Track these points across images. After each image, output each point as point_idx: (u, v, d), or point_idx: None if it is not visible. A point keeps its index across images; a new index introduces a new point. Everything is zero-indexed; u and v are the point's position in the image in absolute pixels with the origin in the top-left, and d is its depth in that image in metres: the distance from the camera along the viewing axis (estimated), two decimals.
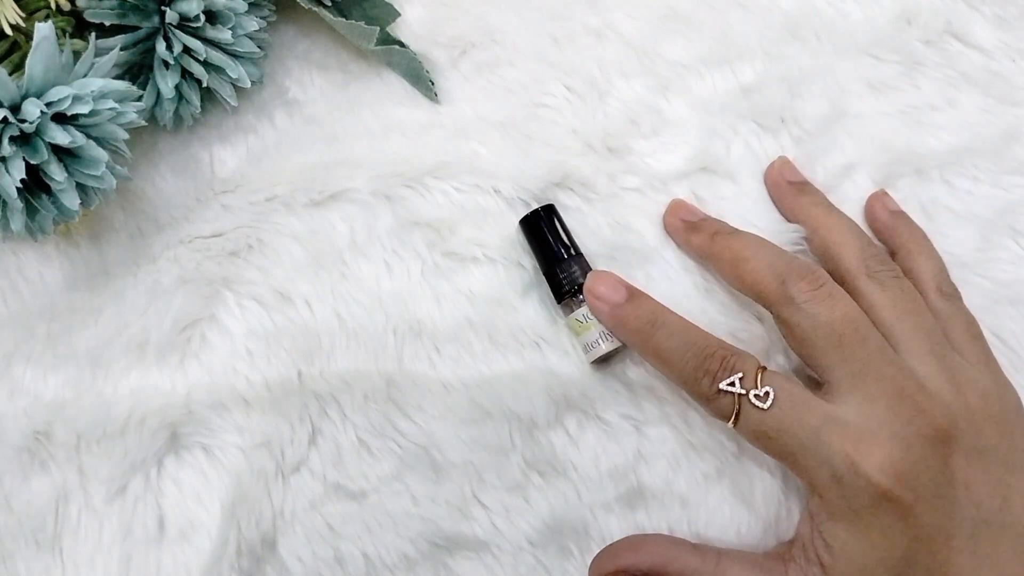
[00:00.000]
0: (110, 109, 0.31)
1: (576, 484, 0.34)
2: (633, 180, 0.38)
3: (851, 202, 0.37)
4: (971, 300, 0.35)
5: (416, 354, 0.35)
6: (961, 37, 0.40)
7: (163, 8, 0.35)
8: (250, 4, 0.36)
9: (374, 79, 0.40)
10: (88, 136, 0.32)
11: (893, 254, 0.36)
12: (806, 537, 0.30)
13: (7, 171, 0.30)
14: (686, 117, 0.39)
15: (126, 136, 0.33)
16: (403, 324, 0.35)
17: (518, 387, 0.35)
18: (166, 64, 0.36)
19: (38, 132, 0.31)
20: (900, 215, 0.37)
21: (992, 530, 0.29)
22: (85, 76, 0.32)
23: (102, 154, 0.32)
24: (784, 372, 0.34)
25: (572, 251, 0.35)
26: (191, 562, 0.33)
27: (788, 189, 0.37)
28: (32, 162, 0.31)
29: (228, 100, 0.37)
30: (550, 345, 0.35)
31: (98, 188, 0.33)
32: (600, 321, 0.34)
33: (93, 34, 0.33)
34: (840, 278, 0.33)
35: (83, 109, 0.31)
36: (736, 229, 0.35)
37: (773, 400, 0.30)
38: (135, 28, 0.35)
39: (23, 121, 0.30)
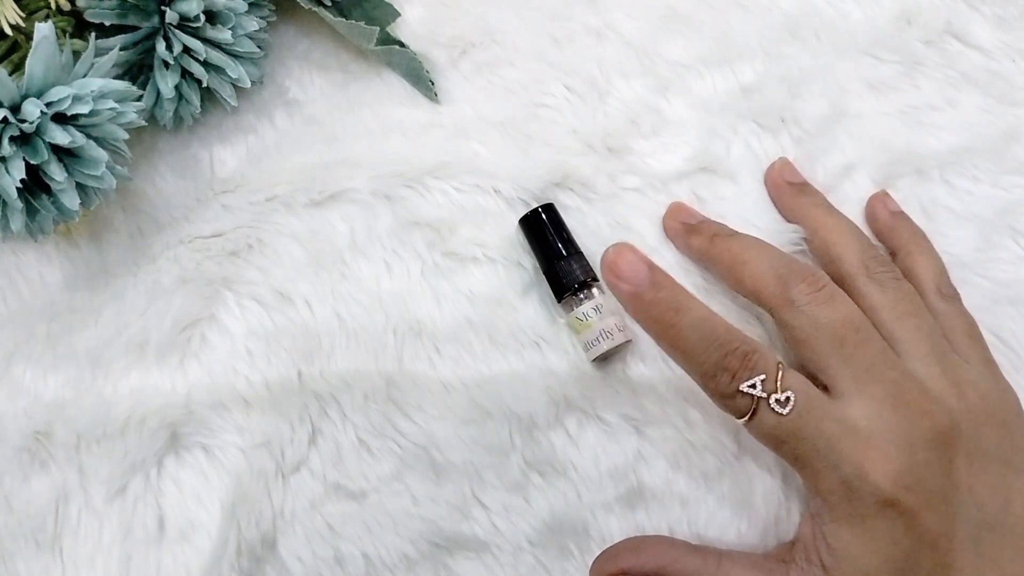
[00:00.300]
0: (110, 109, 0.31)
1: (576, 484, 0.34)
2: (633, 180, 0.38)
3: (851, 202, 0.37)
4: (971, 300, 0.35)
5: (416, 354, 0.35)
6: (961, 37, 0.40)
7: (163, 8, 0.35)
8: (250, 4, 0.36)
9: (374, 79, 0.40)
10: (88, 136, 0.32)
11: (893, 255, 0.36)
12: (808, 539, 0.30)
13: (7, 171, 0.30)
14: (686, 117, 0.39)
15: (126, 136, 0.33)
16: (403, 324, 0.35)
17: (518, 387, 0.35)
18: (166, 64, 0.36)
19: (38, 132, 0.31)
20: (901, 216, 0.37)
21: (994, 531, 0.29)
22: (85, 76, 0.32)
23: (102, 154, 0.32)
24: None
25: (572, 249, 0.35)
26: (191, 562, 0.33)
27: (788, 190, 0.37)
28: (32, 162, 0.31)
29: (228, 100, 0.37)
30: (550, 345, 0.35)
31: (98, 188, 0.33)
32: (619, 303, 0.32)
33: (93, 34, 0.33)
34: (840, 279, 0.33)
35: (83, 109, 0.31)
36: (735, 231, 0.35)
37: (792, 406, 0.29)
38: (135, 28, 0.35)
39: (23, 121, 0.30)
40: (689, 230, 0.36)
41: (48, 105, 0.30)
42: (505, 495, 0.34)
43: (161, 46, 0.35)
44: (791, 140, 0.38)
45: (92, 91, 0.31)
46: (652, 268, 0.32)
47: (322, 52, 0.41)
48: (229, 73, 0.36)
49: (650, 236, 0.37)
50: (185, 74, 0.36)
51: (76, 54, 0.32)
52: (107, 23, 0.34)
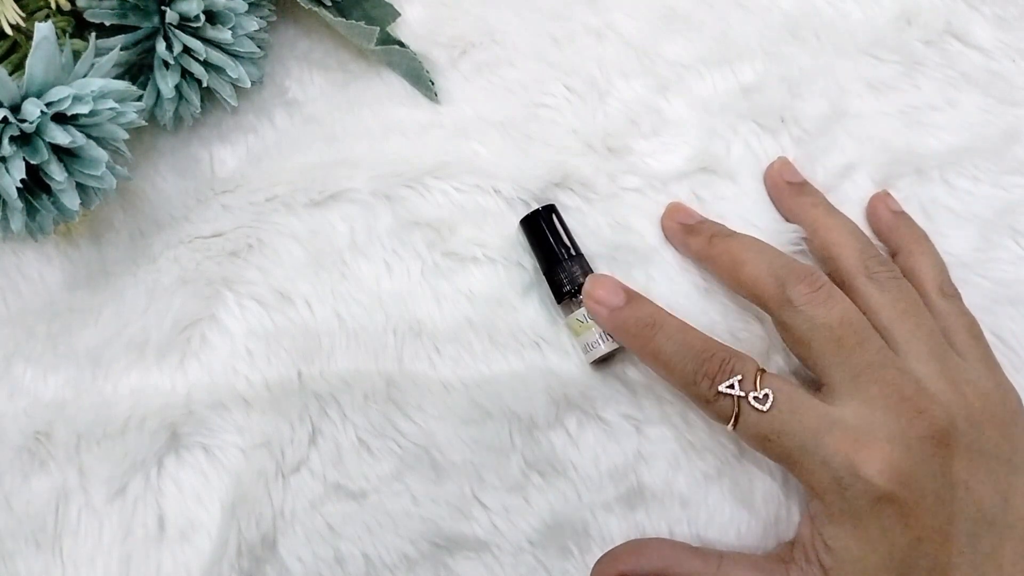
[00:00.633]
0: (110, 109, 0.31)
1: (576, 484, 0.34)
2: (633, 180, 0.38)
3: (851, 202, 0.37)
4: (971, 300, 0.35)
5: (416, 354, 0.35)
6: (961, 37, 0.40)
7: (163, 8, 0.35)
8: (250, 4, 0.36)
9: (374, 79, 0.40)
10: (88, 136, 0.32)
11: (894, 255, 0.36)
12: (807, 539, 0.30)
13: (7, 171, 0.30)
14: (686, 117, 0.39)
15: (126, 136, 0.33)
16: (403, 324, 0.35)
17: (518, 387, 0.35)
18: (166, 64, 0.36)
19: (38, 132, 0.31)
20: (902, 216, 0.37)
21: (993, 531, 0.29)
22: (85, 76, 0.32)
23: (102, 154, 0.32)
24: (783, 374, 0.34)
25: (573, 251, 0.35)
26: (191, 562, 0.33)
27: (788, 190, 0.37)
28: (32, 162, 0.31)
29: (228, 100, 0.37)
30: (550, 345, 0.35)
31: (98, 188, 0.33)
32: (599, 325, 0.34)
33: (93, 34, 0.33)
34: (839, 279, 0.33)
35: (83, 109, 0.31)
36: (734, 232, 0.35)
37: (772, 402, 0.30)
38: (135, 28, 0.35)
39: (23, 121, 0.30)
40: (687, 230, 0.36)
41: (48, 105, 0.30)
42: (505, 495, 0.34)
43: (161, 46, 0.35)
44: (791, 140, 0.38)
45: (92, 91, 0.31)
46: (628, 290, 0.34)
47: (322, 52, 0.41)
48: (229, 73, 0.36)
49: (650, 236, 0.37)
50: (185, 74, 0.36)
51: (76, 54, 0.32)
52: (107, 23, 0.34)
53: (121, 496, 0.34)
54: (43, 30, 0.30)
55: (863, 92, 0.39)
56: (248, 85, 0.37)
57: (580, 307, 0.34)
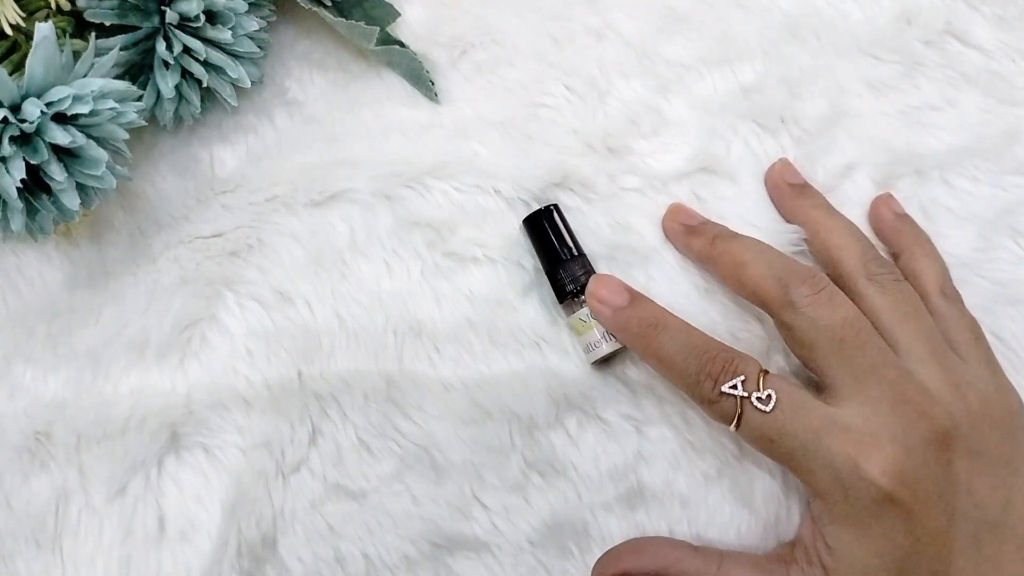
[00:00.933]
0: (110, 109, 0.31)
1: (576, 484, 0.34)
2: (633, 180, 0.38)
3: (851, 202, 0.37)
4: (971, 300, 0.35)
5: (416, 354, 0.35)
6: (961, 37, 0.40)
7: (163, 8, 0.35)
8: (250, 4, 0.36)
9: (374, 79, 0.40)
10: (88, 136, 0.32)
11: (896, 256, 0.36)
12: (808, 539, 0.30)
13: (7, 171, 0.30)
14: (686, 117, 0.39)
15: (126, 136, 0.33)
16: (403, 324, 0.35)
17: (518, 387, 0.35)
18: (166, 64, 0.36)
19: (38, 132, 0.31)
20: (905, 218, 0.37)
21: (994, 532, 0.29)
22: (85, 76, 0.32)
23: (102, 154, 0.32)
24: (784, 374, 0.34)
25: (575, 251, 0.35)
26: (191, 562, 0.33)
27: (788, 191, 0.37)
28: (32, 162, 0.30)
29: (228, 100, 0.37)
30: (550, 345, 0.35)
31: (98, 188, 0.33)
32: (602, 324, 0.34)
33: (93, 34, 0.33)
34: (840, 281, 0.33)
35: (83, 109, 0.31)
36: (736, 233, 0.35)
37: (775, 403, 0.30)
38: (135, 28, 0.35)
39: (23, 121, 0.30)
40: (689, 231, 0.36)
41: (48, 105, 0.30)
42: (505, 495, 0.34)
43: (161, 46, 0.35)
44: (791, 140, 0.38)
45: (92, 91, 0.31)
46: (631, 291, 0.34)
47: (322, 52, 0.41)
48: (229, 73, 0.36)
49: (650, 236, 0.37)
50: (185, 74, 0.36)
51: (76, 54, 0.32)
52: (107, 23, 0.34)
53: (121, 496, 0.34)
54: (43, 30, 0.30)
55: (863, 92, 0.39)
56: (248, 85, 0.37)
57: (582, 307, 0.34)
